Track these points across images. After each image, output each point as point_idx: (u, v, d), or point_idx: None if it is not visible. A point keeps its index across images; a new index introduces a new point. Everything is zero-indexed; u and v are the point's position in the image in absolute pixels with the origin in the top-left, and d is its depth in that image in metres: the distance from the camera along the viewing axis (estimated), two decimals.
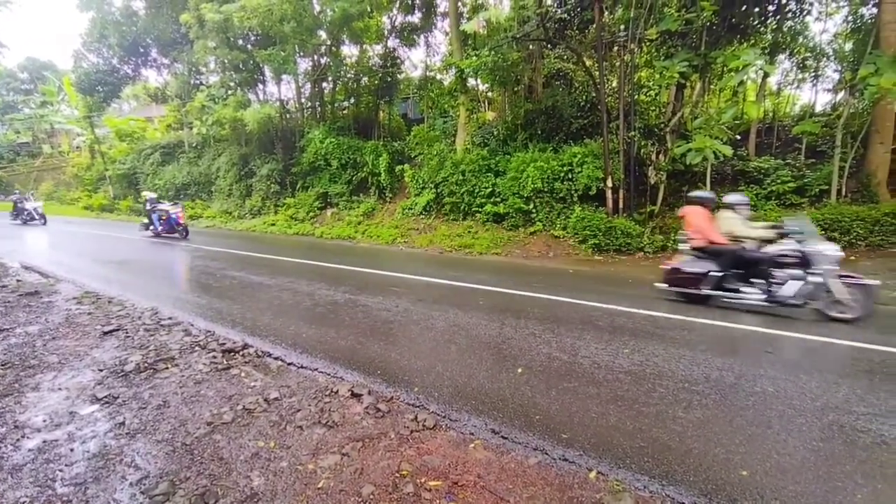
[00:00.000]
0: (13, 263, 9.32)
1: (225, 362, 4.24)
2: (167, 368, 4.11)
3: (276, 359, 4.37)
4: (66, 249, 12.15)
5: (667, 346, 4.62)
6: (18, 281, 7.73)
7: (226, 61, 17.51)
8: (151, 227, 14.60)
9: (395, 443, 2.98)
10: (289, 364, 4.25)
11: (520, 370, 4.06)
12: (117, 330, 5.17)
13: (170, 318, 5.54)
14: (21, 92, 38.36)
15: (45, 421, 3.31)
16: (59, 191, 31.01)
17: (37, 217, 18.20)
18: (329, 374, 4.03)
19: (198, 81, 20.82)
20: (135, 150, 26.15)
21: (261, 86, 19.76)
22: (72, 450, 2.94)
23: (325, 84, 19.76)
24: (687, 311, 5.87)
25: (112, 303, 6.34)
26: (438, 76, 20.05)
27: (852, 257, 8.64)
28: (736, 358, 4.33)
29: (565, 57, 15.03)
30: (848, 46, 12.87)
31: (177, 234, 13.98)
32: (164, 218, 14.10)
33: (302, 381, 3.90)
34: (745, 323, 5.41)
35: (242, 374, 4.01)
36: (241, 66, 17.52)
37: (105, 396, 3.65)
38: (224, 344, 4.66)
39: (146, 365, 4.15)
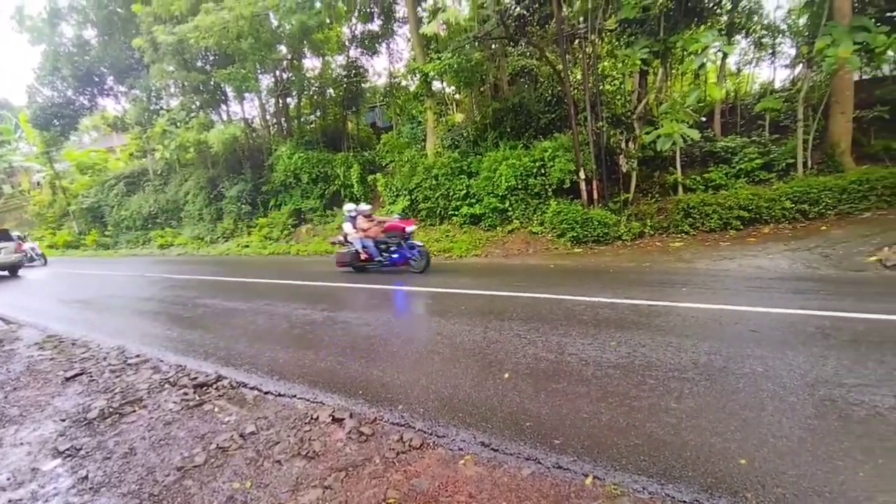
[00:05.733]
0: None
1: (197, 398, 4.00)
2: (134, 411, 3.86)
3: (252, 389, 4.15)
4: (32, 291, 11.61)
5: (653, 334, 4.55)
6: None
7: (185, 84, 17.12)
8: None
9: (380, 468, 2.81)
10: (266, 393, 4.03)
11: (507, 375, 3.92)
12: (81, 374, 4.88)
13: (137, 356, 5.25)
14: None
15: (8, 479, 3.06)
16: (22, 231, 29.89)
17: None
18: (308, 400, 3.83)
19: (158, 106, 20.28)
20: (97, 182, 25.35)
21: (223, 106, 19.39)
22: None
23: (289, 99, 19.50)
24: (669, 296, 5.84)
25: (76, 345, 6.01)
26: (403, 82, 19.93)
27: (823, 227, 8.80)
28: None
29: (528, 53, 15.08)
30: (802, 21, 13.18)
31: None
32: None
33: (280, 410, 3.69)
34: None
35: (216, 409, 3.78)
36: (200, 87, 17.12)
37: (67, 449, 3.40)
38: (196, 378, 4.41)
39: (111, 410, 3.89)
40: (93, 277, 13.45)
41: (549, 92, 13.35)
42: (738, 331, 4.51)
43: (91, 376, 4.77)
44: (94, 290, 10.91)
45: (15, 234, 18.32)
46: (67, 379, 4.75)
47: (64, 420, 3.85)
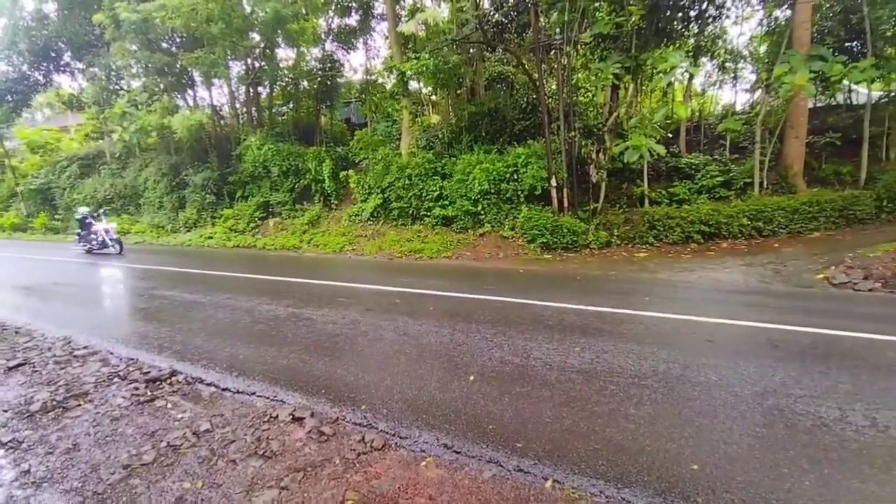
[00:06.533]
0: None
1: (149, 393, 3.82)
2: (79, 405, 3.65)
3: (208, 385, 4.00)
4: None
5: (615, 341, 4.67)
6: None
7: (148, 65, 16.32)
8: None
9: (340, 469, 2.75)
10: (223, 390, 3.89)
11: (472, 377, 3.93)
12: (23, 364, 4.59)
13: (85, 348, 4.97)
14: None
15: None
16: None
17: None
18: (268, 398, 3.72)
19: (118, 86, 19.28)
20: (49, 162, 23.89)
21: (190, 91, 18.62)
22: None
23: (261, 88, 18.94)
24: (639, 306, 6.00)
25: (19, 333, 5.65)
26: (380, 80, 19.76)
27: (776, 244, 9.27)
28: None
29: (505, 60, 15.24)
30: (763, 49, 13.90)
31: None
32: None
33: (238, 407, 3.57)
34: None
35: (169, 406, 3.62)
36: (165, 69, 16.37)
37: (9, 441, 3.21)
38: (148, 373, 4.21)
39: (54, 403, 3.67)
40: (40, 262, 12.68)
41: (525, 99, 13.52)
42: (696, 340, 4.68)
43: (34, 367, 4.49)
44: (40, 276, 10.27)
45: (82, 209, 14.77)
46: (10, 369, 4.47)
47: (6, 411, 3.62)
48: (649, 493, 2.47)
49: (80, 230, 14.32)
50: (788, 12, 11.16)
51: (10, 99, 20.91)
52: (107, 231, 13.65)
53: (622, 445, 2.88)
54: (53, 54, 20.41)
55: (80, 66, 20.61)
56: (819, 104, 14.09)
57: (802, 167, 10.92)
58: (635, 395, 3.51)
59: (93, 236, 13.77)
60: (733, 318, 5.31)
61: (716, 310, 5.66)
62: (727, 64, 14.97)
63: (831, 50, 9.46)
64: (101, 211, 15.44)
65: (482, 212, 11.81)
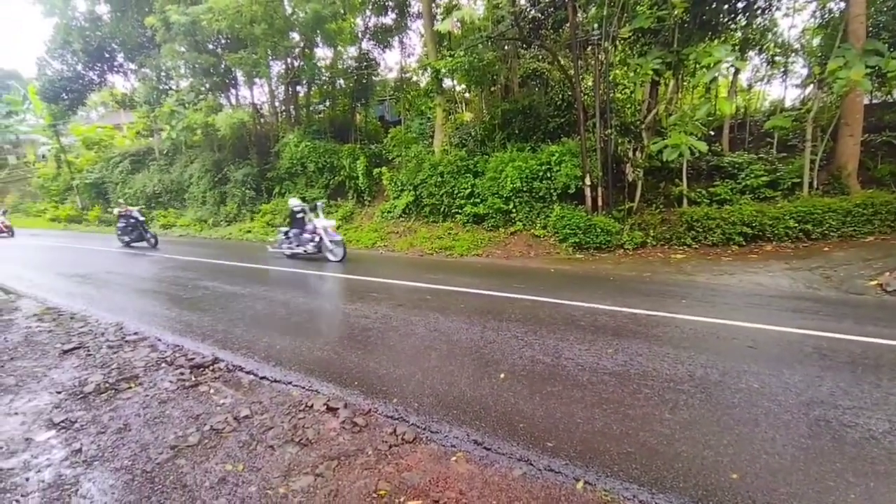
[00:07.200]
0: None
1: (193, 379, 4.01)
2: (130, 388, 3.87)
3: (248, 373, 4.16)
4: (31, 264, 11.61)
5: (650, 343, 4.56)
6: None
7: (195, 65, 17.02)
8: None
9: (372, 459, 2.82)
10: (261, 378, 4.04)
11: (502, 375, 3.94)
12: (78, 348, 4.89)
13: (135, 334, 5.26)
14: None
15: (1, 448, 3.08)
16: (25, 202, 29.93)
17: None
18: (304, 388, 3.84)
19: (167, 86, 20.22)
20: (102, 158, 25.30)
21: (233, 90, 19.31)
22: (27, 479, 2.74)
23: (299, 87, 19.43)
24: (670, 308, 5.85)
25: (74, 319, 6.02)
26: (414, 77, 19.92)
27: (825, 248, 8.80)
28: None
29: (540, 56, 15.04)
30: (816, 42, 13.18)
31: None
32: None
33: (275, 395, 3.70)
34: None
35: (211, 391, 3.79)
36: (211, 70, 17.04)
37: (62, 421, 3.42)
38: (193, 359, 4.42)
39: (107, 385, 3.90)
40: (93, 253, 13.44)
41: (560, 96, 13.32)
42: (736, 346, 4.52)
43: (88, 351, 4.78)
44: (94, 265, 10.90)
45: (295, 201, 11.29)
46: (65, 352, 4.76)
47: (60, 392, 3.86)
48: (685, 500, 2.41)
49: (289, 228, 11.15)
50: (843, 4, 10.53)
51: (66, 97, 22.10)
52: (325, 230, 10.35)
53: (657, 450, 2.83)
54: (107, 55, 21.48)
55: (133, 66, 21.68)
56: (875, 101, 13.26)
57: (857, 167, 10.30)
58: (671, 399, 3.43)
59: (307, 236, 10.58)
60: (777, 324, 5.09)
61: (758, 315, 5.45)
62: (777, 58, 14.28)
63: (887, 45, 8.88)
64: (318, 203, 10.98)
65: (514, 210, 11.74)
